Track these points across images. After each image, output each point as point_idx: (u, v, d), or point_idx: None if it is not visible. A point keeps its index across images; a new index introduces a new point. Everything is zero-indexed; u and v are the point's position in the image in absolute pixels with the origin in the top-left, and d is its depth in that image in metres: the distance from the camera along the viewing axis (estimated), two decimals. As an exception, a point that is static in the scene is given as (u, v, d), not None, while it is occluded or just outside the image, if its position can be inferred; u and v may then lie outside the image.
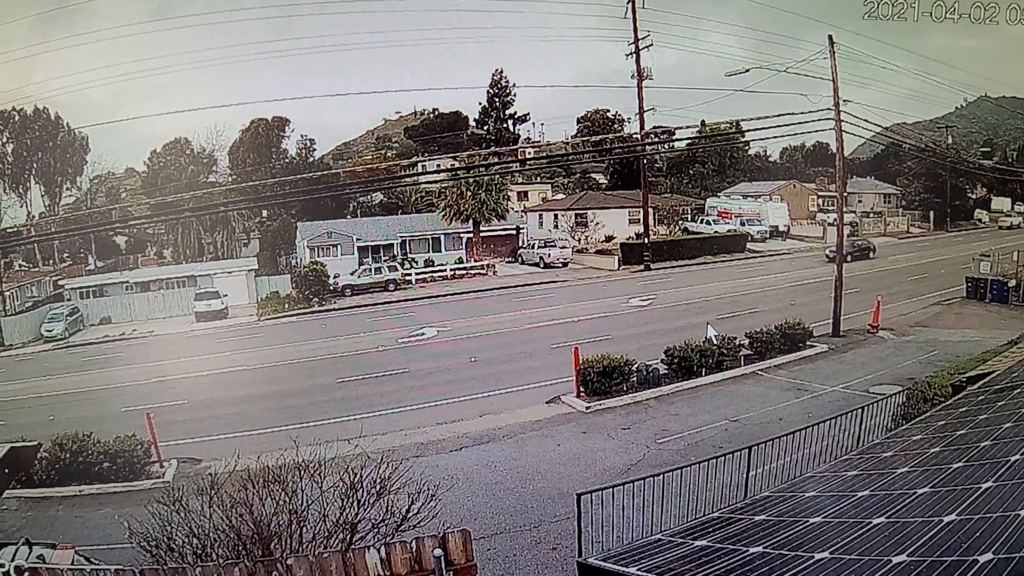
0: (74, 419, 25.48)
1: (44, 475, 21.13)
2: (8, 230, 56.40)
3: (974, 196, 76.65)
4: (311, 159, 79.67)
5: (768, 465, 15.44)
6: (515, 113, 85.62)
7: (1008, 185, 75.06)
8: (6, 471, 8.28)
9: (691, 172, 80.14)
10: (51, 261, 66.72)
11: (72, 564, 11.52)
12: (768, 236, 66.90)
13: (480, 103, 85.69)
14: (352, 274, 56.17)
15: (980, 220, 73.52)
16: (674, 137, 68.89)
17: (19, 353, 47.05)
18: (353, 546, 10.41)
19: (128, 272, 58.64)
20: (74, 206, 67.02)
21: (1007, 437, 8.73)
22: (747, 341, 30.84)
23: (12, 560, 8.57)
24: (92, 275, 60.82)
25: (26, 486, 20.59)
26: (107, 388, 34.22)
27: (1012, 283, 40.39)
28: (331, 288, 53.78)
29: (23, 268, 64.73)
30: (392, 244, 62.65)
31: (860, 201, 76.86)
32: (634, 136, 61.74)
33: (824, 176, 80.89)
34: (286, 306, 52.33)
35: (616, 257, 58.71)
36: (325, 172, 68.65)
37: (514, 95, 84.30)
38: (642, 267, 56.51)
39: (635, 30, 56.08)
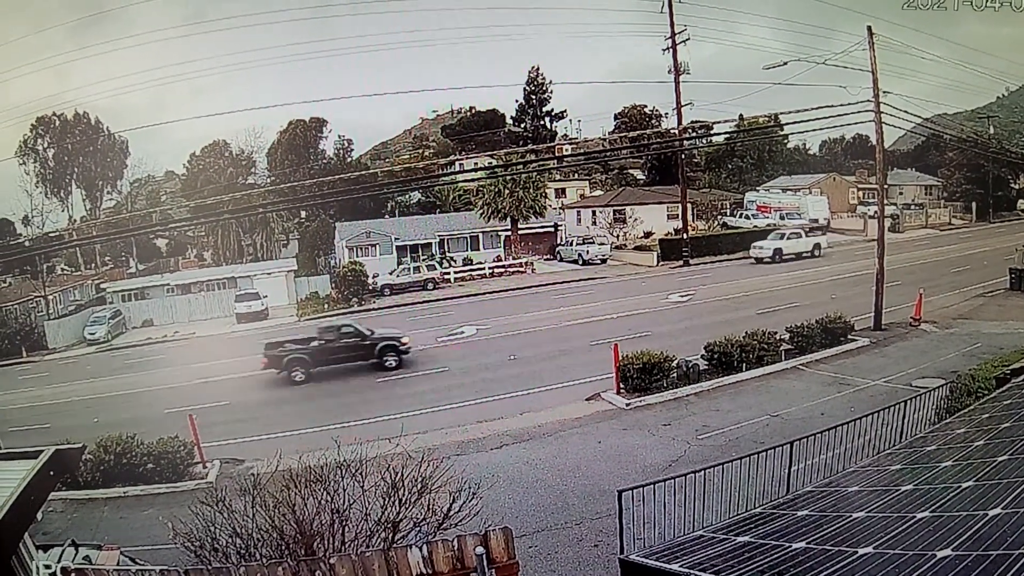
0: (117, 421, 25.62)
1: (89, 477, 21.15)
2: (50, 234, 57.31)
3: (1017, 186, 75.71)
4: (349, 159, 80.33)
5: (810, 460, 15.26)
6: (552, 110, 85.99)
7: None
8: (51, 473, 8.40)
9: (729, 166, 79.93)
10: (93, 265, 67.82)
11: (117, 565, 11.64)
12: (808, 230, 66.52)
13: (517, 100, 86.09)
14: (391, 273, 56.61)
15: (1023, 211, 72.58)
16: (712, 132, 68.63)
17: (63, 356, 47.89)
18: (395, 545, 10.48)
19: (169, 275, 59.55)
20: (115, 209, 68.17)
21: None
22: (788, 336, 30.60)
23: (59, 561, 8.70)
24: (133, 278, 61.88)
25: (71, 488, 20.62)
26: (150, 390, 34.55)
27: (1057, 274, 39.73)
28: (370, 288, 54.21)
29: (65, 272, 65.86)
30: (430, 243, 63.08)
31: (901, 193, 76.17)
32: (672, 131, 61.50)
33: (864, 168, 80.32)
34: (326, 306, 52.82)
35: (655, 253, 58.77)
36: (363, 172, 69.15)
37: (551, 92, 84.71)
38: (681, 263, 56.48)
39: (672, 24, 56.05)
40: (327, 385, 32.64)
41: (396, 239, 61.86)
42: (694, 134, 54.04)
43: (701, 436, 22.26)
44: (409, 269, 57.28)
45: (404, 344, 34.30)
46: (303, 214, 69.17)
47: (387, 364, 33.78)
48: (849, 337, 31.78)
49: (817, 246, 56.68)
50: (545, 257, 65.08)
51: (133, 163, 72.12)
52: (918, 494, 7.78)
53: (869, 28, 33.89)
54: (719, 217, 70.03)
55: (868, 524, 7.13)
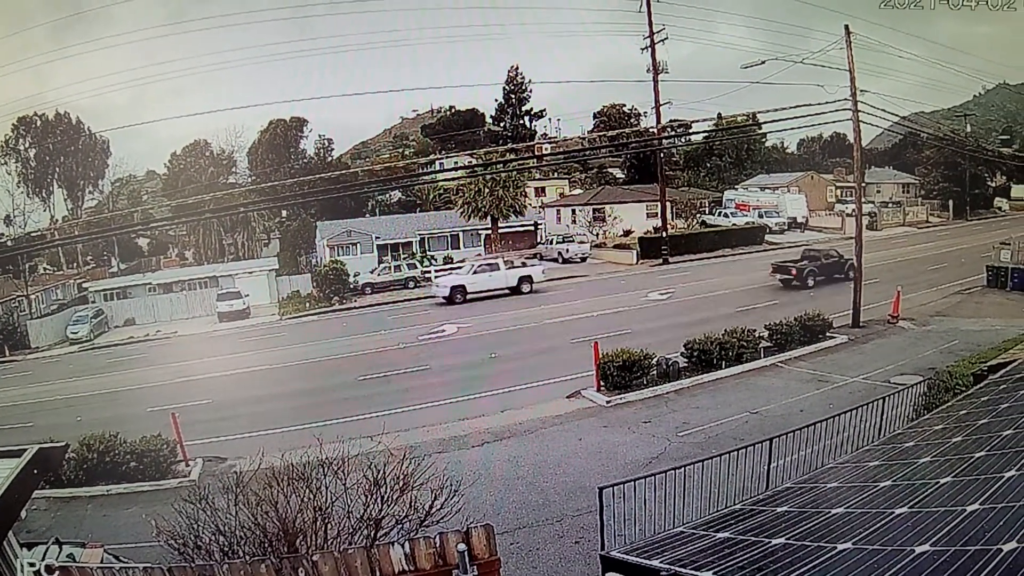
0: (100, 419, 25.51)
1: (72, 475, 21.18)
2: (32, 234, 57.06)
3: (994, 184, 76.51)
4: (329, 158, 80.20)
5: (789, 456, 15.38)
6: (531, 109, 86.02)
7: (1028, 172, 74.91)
8: (35, 472, 8.39)
9: (708, 165, 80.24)
10: (75, 264, 67.52)
11: (101, 562, 11.59)
12: (786, 228, 66.97)
13: (496, 100, 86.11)
14: (372, 272, 56.57)
15: (1000, 208, 73.32)
16: (691, 130, 68.89)
17: (45, 355, 47.69)
18: (377, 542, 10.49)
19: (151, 274, 59.42)
20: (96, 209, 67.85)
21: None
22: (767, 333, 30.80)
23: (43, 559, 8.68)
24: (115, 277, 61.70)
25: (55, 486, 20.69)
26: (132, 389, 34.45)
27: (1033, 271, 40.20)
28: (351, 286, 54.18)
29: (47, 271, 65.59)
30: (411, 242, 63.07)
31: (879, 191, 76.80)
32: (650, 130, 61.70)
33: (842, 166, 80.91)
34: (307, 305, 52.76)
35: (634, 251, 58.90)
36: (344, 171, 69.14)
37: (530, 91, 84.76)
38: (660, 261, 56.64)
39: (650, 24, 56.24)
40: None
41: (377, 238, 61.85)
42: (673, 133, 54.20)
43: (681, 433, 22.40)
44: (390, 268, 57.24)
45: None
46: (284, 213, 68.99)
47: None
48: (828, 334, 32.07)
49: (527, 280, 49.36)
50: (526, 256, 65.16)
51: (114, 163, 71.64)
52: (896, 490, 7.88)
53: (847, 27, 34.18)
54: (698, 215, 70.30)
55: (847, 520, 7.20)
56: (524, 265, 50.48)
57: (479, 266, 49.65)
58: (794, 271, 44.05)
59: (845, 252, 43.13)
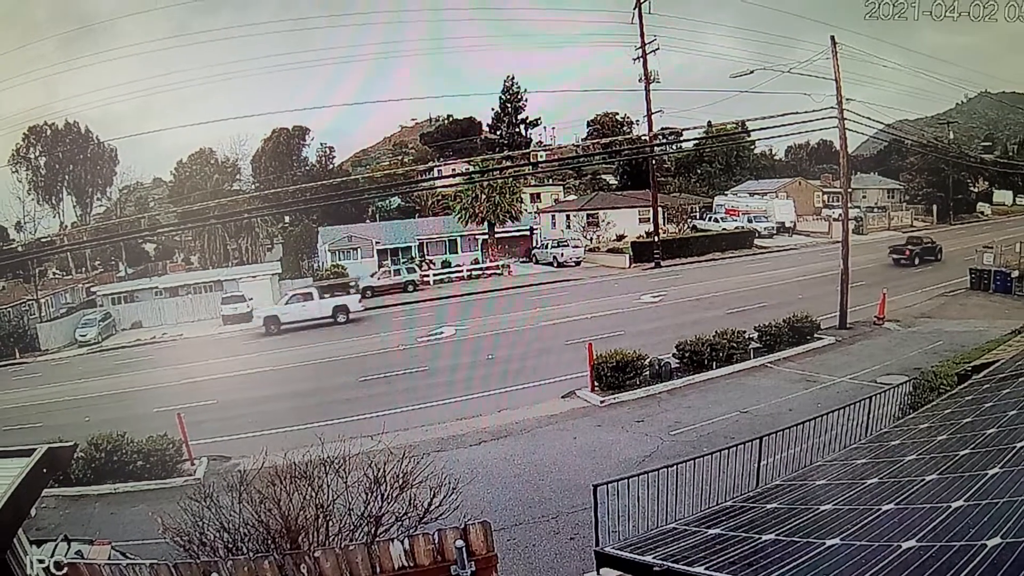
0: (108, 420, 25.60)
1: (81, 474, 21.43)
2: (42, 240, 57.41)
3: (976, 190, 76.84)
4: (331, 166, 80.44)
5: (779, 455, 15.52)
6: (527, 118, 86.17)
7: (1009, 178, 75.45)
8: (44, 471, 8.54)
9: (699, 171, 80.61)
10: (83, 269, 67.85)
11: (108, 559, 11.75)
12: (775, 232, 67.45)
13: (493, 109, 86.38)
14: (372, 276, 56.63)
15: (982, 213, 73.71)
16: (682, 138, 69.14)
17: (55, 357, 47.79)
18: (378, 538, 10.64)
19: (157, 278, 59.44)
20: (104, 215, 68.31)
21: (1013, 424, 8.66)
22: (756, 334, 31.08)
23: (51, 556, 8.85)
24: (123, 281, 61.59)
25: (64, 485, 20.96)
26: (139, 390, 34.46)
27: (1015, 274, 40.82)
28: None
29: (57, 276, 65.89)
30: (410, 246, 63.19)
31: (864, 196, 77.09)
32: (643, 138, 62.05)
33: (828, 173, 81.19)
34: (309, 308, 52.73)
35: (627, 255, 59.11)
36: (345, 178, 69.26)
37: (525, 100, 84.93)
38: (653, 265, 56.83)
39: (642, 35, 56.49)
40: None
41: (377, 243, 61.94)
42: (664, 140, 54.63)
43: (673, 432, 22.62)
44: (390, 272, 57.36)
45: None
46: (287, 219, 69.26)
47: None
48: (816, 336, 32.52)
49: (341, 310, 47.30)
50: (521, 260, 65.25)
51: (122, 170, 71.98)
52: (883, 487, 7.90)
53: (832, 38, 34.59)
54: (689, 220, 70.62)
55: (835, 516, 7.20)
56: (348, 293, 48.74)
57: (291, 296, 47.71)
58: (907, 252, 52.22)
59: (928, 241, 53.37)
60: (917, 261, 51.26)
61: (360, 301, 48.38)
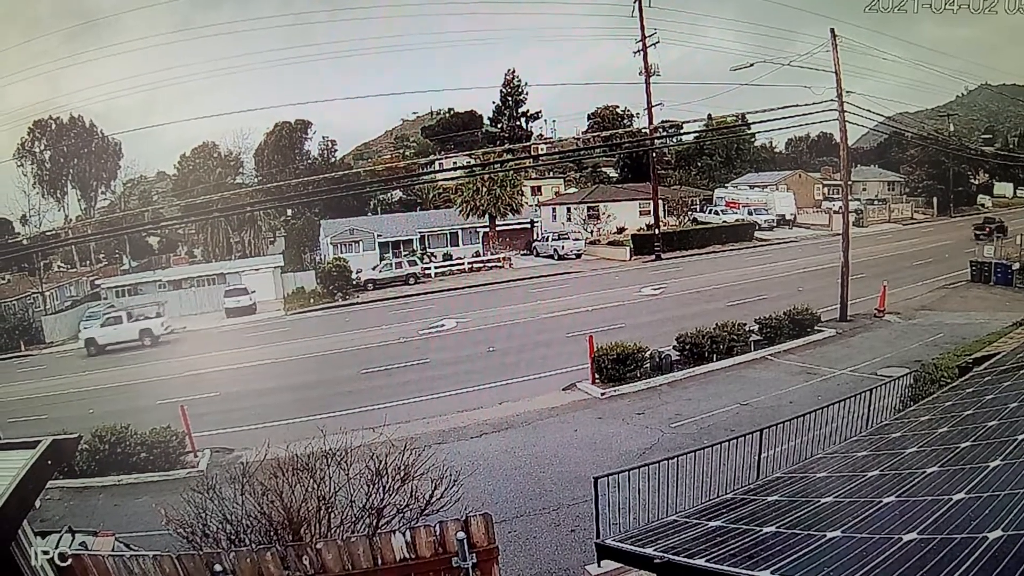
0: (112, 412, 25.82)
1: (85, 466, 21.56)
2: (47, 233, 57.62)
3: (976, 182, 77.19)
4: (333, 159, 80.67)
5: (779, 447, 15.51)
6: (527, 111, 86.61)
7: (1010, 171, 75.49)
8: (49, 463, 8.54)
9: (699, 164, 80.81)
10: (88, 262, 68.34)
11: (112, 550, 11.81)
12: (775, 224, 67.59)
13: (494, 102, 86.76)
14: (374, 269, 56.93)
15: (983, 205, 73.82)
16: (682, 131, 69.29)
17: (59, 350, 48.01)
18: (379, 530, 10.66)
19: (161, 271, 59.72)
20: (109, 209, 68.74)
21: (1014, 417, 8.59)
22: (757, 327, 31.10)
23: (56, 547, 8.87)
24: (127, 274, 61.97)
25: (68, 477, 21.09)
26: (142, 382, 34.47)
27: (1016, 266, 41.09)
28: (354, 283, 54.48)
29: (61, 269, 66.35)
30: (411, 239, 63.37)
31: (864, 189, 77.36)
32: (643, 131, 62.08)
33: (829, 165, 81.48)
34: (311, 301, 53.16)
35: (628, 248, 59.38)
36: (346, 171, 69.66)
37: (526, 94, 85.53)
38: (653, 257, 57.12)
39: (642, 28, 56.76)
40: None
41: (379, 236, 62.19)
42: (664, 133, 54.69)
43: (674, 424, 22.66)
44: (391, 265, 57.53)
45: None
46: (289, 212, 69.48)
47: None
48: (816, 328, 32.56)
49: (146, 333, 45.11)
50: (522, 252, 65.35)
51: (126, 164, 72.61)
52: (884, 479, 7.88)
53: (832, 31, 34.56)
54: (689, 213, 70.93)
55: (836, 508, 7.17)
56: (159, 316, 46.39)
57: (108, 318, 45.97)
58: (988, 229, 57.68)
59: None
60: (994, 236, 52.96)
61: (163, 324, 45.91)
